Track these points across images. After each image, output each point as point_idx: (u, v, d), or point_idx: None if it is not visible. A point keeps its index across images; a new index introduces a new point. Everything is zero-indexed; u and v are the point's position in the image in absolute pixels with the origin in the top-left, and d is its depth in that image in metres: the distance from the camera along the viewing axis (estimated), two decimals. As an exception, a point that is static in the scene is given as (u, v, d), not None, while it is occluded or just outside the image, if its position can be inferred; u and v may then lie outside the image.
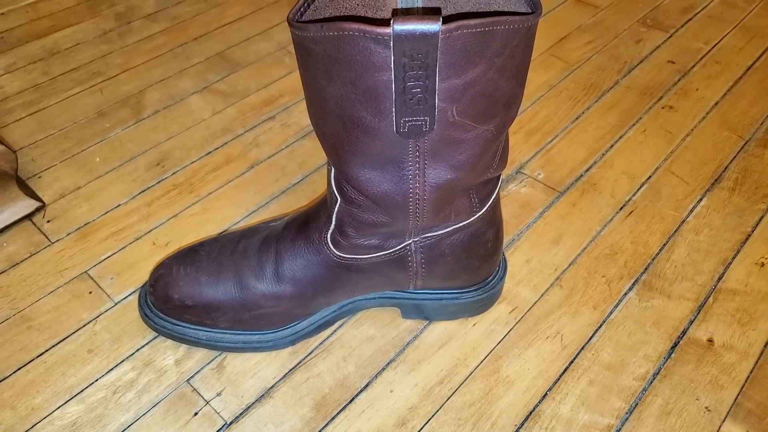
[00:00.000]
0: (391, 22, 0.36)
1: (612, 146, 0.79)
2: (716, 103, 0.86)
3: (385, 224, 0.50)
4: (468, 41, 0.38)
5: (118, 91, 0.88)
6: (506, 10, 0.44)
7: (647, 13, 1.03)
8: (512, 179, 0.75)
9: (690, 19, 1.02)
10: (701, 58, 0.93)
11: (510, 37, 0.39)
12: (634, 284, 0.64)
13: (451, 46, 0.38)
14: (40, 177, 0.76)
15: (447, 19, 0.47)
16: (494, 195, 0.53)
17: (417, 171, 0.46)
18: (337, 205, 0.51)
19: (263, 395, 0.56)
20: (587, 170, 0.76)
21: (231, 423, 0.54)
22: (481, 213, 0.53)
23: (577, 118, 0.83)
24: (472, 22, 0.37)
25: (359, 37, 0.37)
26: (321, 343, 0.59)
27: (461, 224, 0.52)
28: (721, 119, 0.83)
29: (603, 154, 0.78)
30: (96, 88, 0.89)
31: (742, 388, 0.56)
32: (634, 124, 0.82)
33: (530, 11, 0.42)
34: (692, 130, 0.82)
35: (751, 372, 0.57)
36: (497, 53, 0.40)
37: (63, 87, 0.89)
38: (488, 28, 0.38)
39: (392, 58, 0.38)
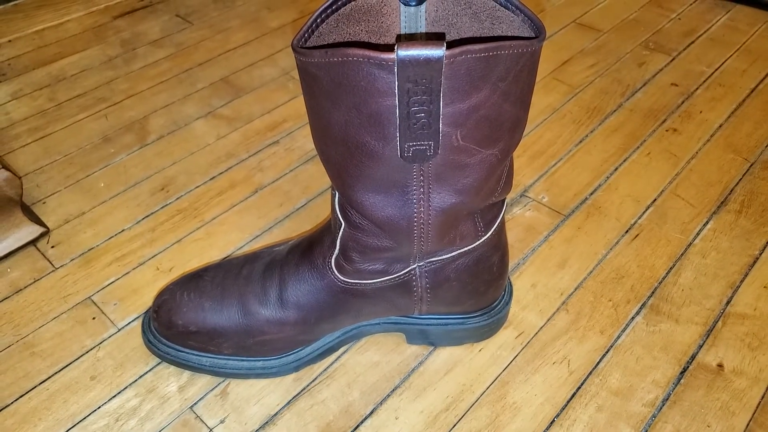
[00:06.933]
0: (395, 47, 0.36)
1: (616, 169, 0.79)
2: (720, 126, 0.85)
3: (390, 249, 0.50)
4: (472, 66, 0.38)
5: (123, 116, 0.89)
6: (510, 34, 0.44)
7: (649, 37, 1.04)
8: (516, 203, 0.75)
9: (692, 42, 1.02)
10: (704, 81, 0.94)
11: (514, 61, 0.39)
12: (641, 308, 0.63)
13: (455, 71, 0.38)
14: (44, 203, 0.76)
15: (451, 45, 0.47)
16: (499, 219, 0.53)
17: (421, 195, 0.45)
18: (342, 230, 0.51)
19: (267, 422, 0.55)
20: (592, 193, 0.76)
21: (234, 451, 0.53)
22: (486, 237, 0.52)
23: (581, 141, 0.83)
24: (476, 47, 0.37)
25: (363, 62, 0.37)
26: (325, 369, 0.59)
27: (466, 248, 0.52)
28: (726, 142, 0.83)
29: (607, 177, 0.78)
30: (101, 113, 0.89)
31: (754, 414, 0.55)
32: (638, 147, 0.82)
33: (534, 36, 0.42)
34: (697, 152, 0.81)
35: (763, 398, 0.56)
36: (501, 78, 0.40)
37: (68, 113, 0.89)
38: (492, 53, 0.38)
39: (396, 83, 0.38)
